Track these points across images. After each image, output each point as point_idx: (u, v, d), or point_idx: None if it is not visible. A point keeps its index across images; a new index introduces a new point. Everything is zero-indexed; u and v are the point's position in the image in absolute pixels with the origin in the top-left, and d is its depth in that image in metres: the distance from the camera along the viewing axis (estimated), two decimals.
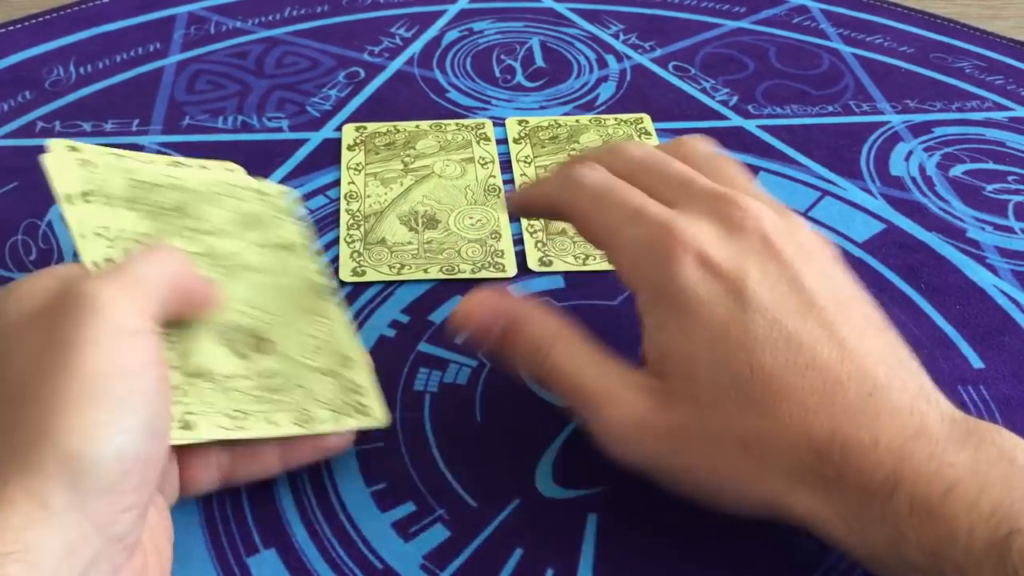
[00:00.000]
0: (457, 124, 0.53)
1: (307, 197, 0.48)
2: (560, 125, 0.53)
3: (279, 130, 0.52)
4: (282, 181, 0.49)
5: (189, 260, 0.31)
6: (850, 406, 0.27)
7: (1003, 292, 0.44)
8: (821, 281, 0.30)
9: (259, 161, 0.50)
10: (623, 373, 0.31)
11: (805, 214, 0.48)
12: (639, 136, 0.52)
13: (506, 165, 0.50)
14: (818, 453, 0.27)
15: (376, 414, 0.33)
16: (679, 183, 0.32)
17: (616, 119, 0.54)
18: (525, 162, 0.50)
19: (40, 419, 0.24)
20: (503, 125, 0.53)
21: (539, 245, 0.45)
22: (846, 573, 0.32)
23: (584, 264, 0.44)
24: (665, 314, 0.30)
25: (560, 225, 0.46)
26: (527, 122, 0.53)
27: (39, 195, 0.47)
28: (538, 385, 0.35)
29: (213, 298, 0.32)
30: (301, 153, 0.51)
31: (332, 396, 0.32)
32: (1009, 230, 0.47)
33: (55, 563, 0.23)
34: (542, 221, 0.46)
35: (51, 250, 0.44)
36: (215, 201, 0.35)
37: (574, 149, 0.51)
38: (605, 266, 0.44)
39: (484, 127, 0.52)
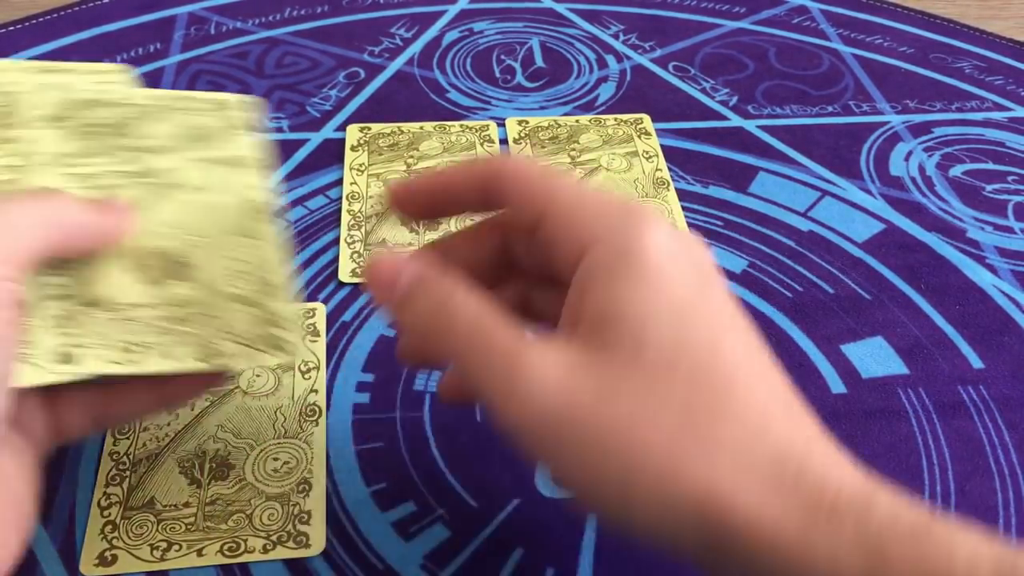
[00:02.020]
0: (461, 126, 0.53)
1: (307, 197, 0.48)
2: (560, 125, 0.53)
3: (279, 130, 0.52)
4: (282, 181, 0.49)
5: (76, 201, 0.29)
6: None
7: (1003, 292, 0.44)
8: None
9: None
10: (540, 335, 0.26)
11: (805, 214, 0.48)
12: (639, 136, 0.52)
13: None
14: (778, 448, 0.23)
15: (292, 348, 0.30)
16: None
17: (616, 119, 0.54)
18: None
19: None
20: (503, 125, 0.53)
21: None
22: None
23: None
24: (622, 273, 0.25)
25: None
26: (527, 122, 0.53)
27: None
28: (434, 358, 0.30)
29: (117, 231, 0.29)
30: (301, 153, 0.51)
31: (246, 328, 0.30)
32: (1009, 230, 0.47)
33: None
34: None
35: None
36: (162, 116, 0.33)
37: (574, 149, 0.51)
38: None
39: (488, 129, 0.52)
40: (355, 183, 0.48)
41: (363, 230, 0.45)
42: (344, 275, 0.43)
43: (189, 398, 0.32)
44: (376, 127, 0.52)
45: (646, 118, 0.54)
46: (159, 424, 0.36)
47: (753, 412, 0.24)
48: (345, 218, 0.46)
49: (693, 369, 0.24)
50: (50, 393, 0.29)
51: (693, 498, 0.23)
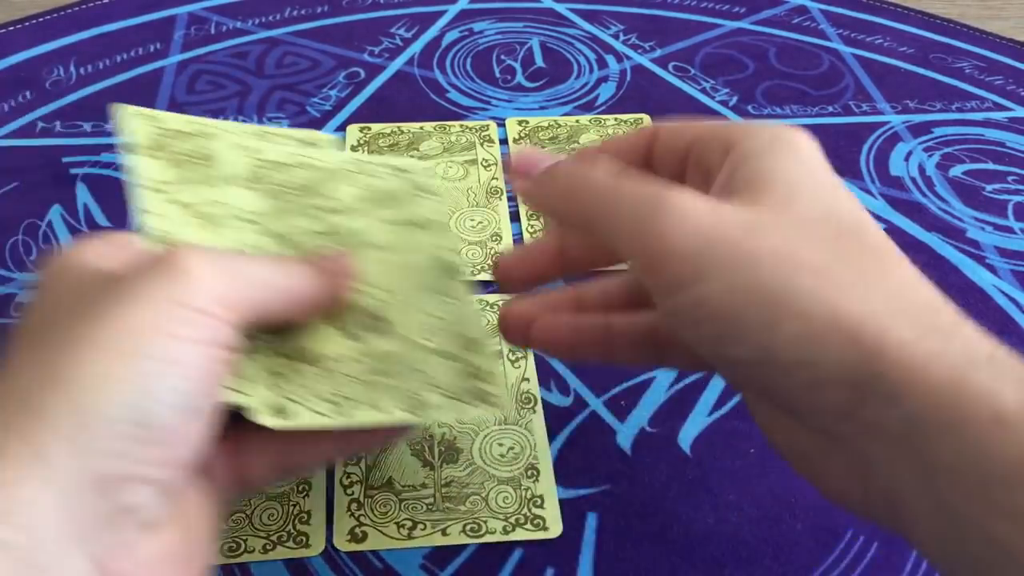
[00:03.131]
0: (461, 126, 0.53)
1: None
2: (560, 125, 0.53)
3: None
4: None
5: (306, 272, 0.28)
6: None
7: (1003, 292, 0.44)
8: None
9: None
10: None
11: None
12: None
13: (506, 166, 0.50)
14: (933, 300, 0.23)
15: (497, 401, 0.29)
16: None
17: (616, 119, 0.54)
18: None
19: (56, 360, 0.22)
20: (503, 125, 0.53)
21: None
22: (843, 574, 0.32)
23: None
24: (776, 152, 0.26)
25: None
26: (527, 122, 0.53)
27: (39, 195, 0.47)
28: (573, 219, 0.29)
29: (333, 299, 0.29)
30: None
31: (449, 381, 0.29)
32: (1009, 230, 0.47)
33: (47, 520, 0.20)
34: (542, 221, 0.46)
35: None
36: (346, 179, 0.34)
37: (574, 149, 0.51)
38: None
39: (488, 129, 0.52)
40: None
41: None
42: None
43: (370, 447, 0.30)
44: (376, 127, 0.52)
45: (646, 118, 0.54)
46: None
47: (906, 270, 0.24)
48: None
49: (844, 229, 0.24)
50: (237, 441, 0.27)
51: (845, 325, 0.22)
